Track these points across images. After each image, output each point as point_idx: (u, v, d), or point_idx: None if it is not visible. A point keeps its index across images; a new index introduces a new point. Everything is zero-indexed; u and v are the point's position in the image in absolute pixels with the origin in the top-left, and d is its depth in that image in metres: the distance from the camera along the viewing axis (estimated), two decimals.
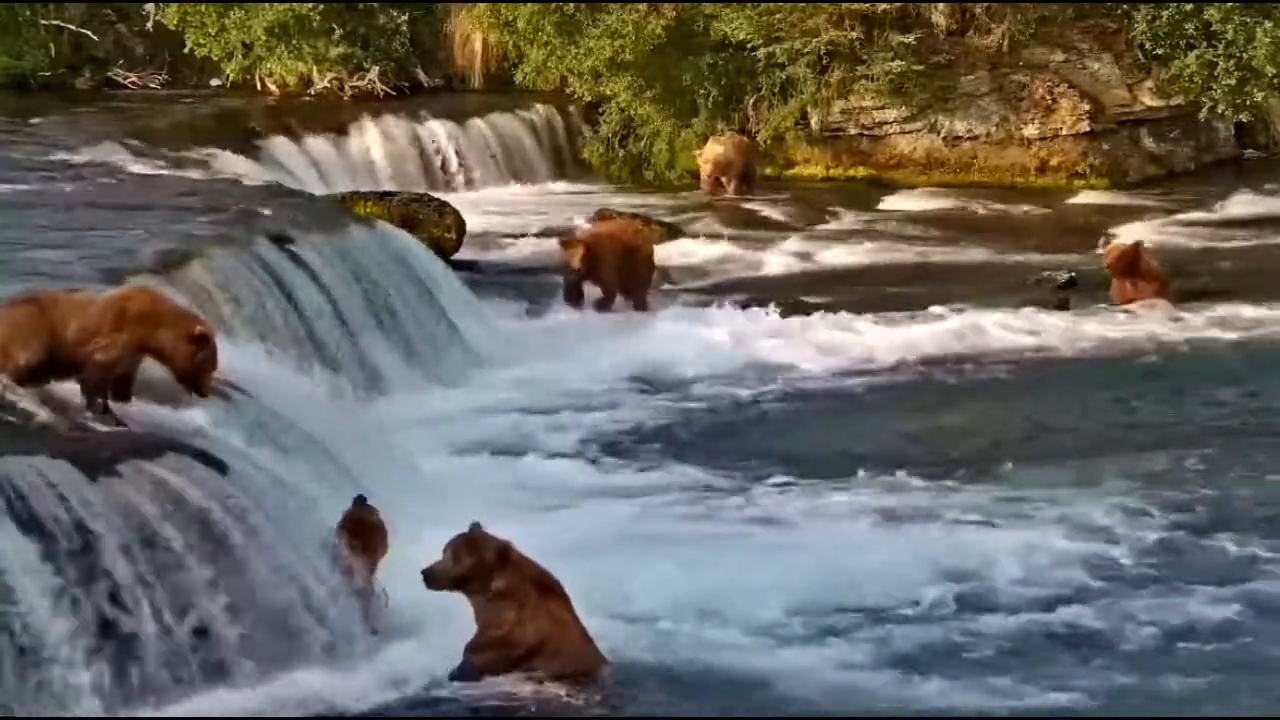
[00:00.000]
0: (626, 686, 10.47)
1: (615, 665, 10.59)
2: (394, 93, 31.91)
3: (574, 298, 20.42)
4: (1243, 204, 28.03)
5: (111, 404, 10.99)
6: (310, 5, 30.93)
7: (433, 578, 10.37)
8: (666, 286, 21.82)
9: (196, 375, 11.18)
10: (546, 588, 10.45)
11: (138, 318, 10.96)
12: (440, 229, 22.11)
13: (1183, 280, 21.62)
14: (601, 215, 25.19)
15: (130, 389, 11.14)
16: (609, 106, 30.58)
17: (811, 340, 19.43)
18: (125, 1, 33.86)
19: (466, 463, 14.95)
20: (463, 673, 10.32)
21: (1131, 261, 20.87)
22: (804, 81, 30.04)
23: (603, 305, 20.43)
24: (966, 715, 10.23)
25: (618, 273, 20.54)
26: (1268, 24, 28.98)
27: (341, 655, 10.38)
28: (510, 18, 31.27)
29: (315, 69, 31.85)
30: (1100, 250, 22.18)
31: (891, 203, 28.54)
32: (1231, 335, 19.71)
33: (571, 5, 30.18)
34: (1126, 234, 25.49)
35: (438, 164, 29.55)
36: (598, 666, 10.48)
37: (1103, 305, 20.88)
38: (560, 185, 30.01)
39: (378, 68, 31.90)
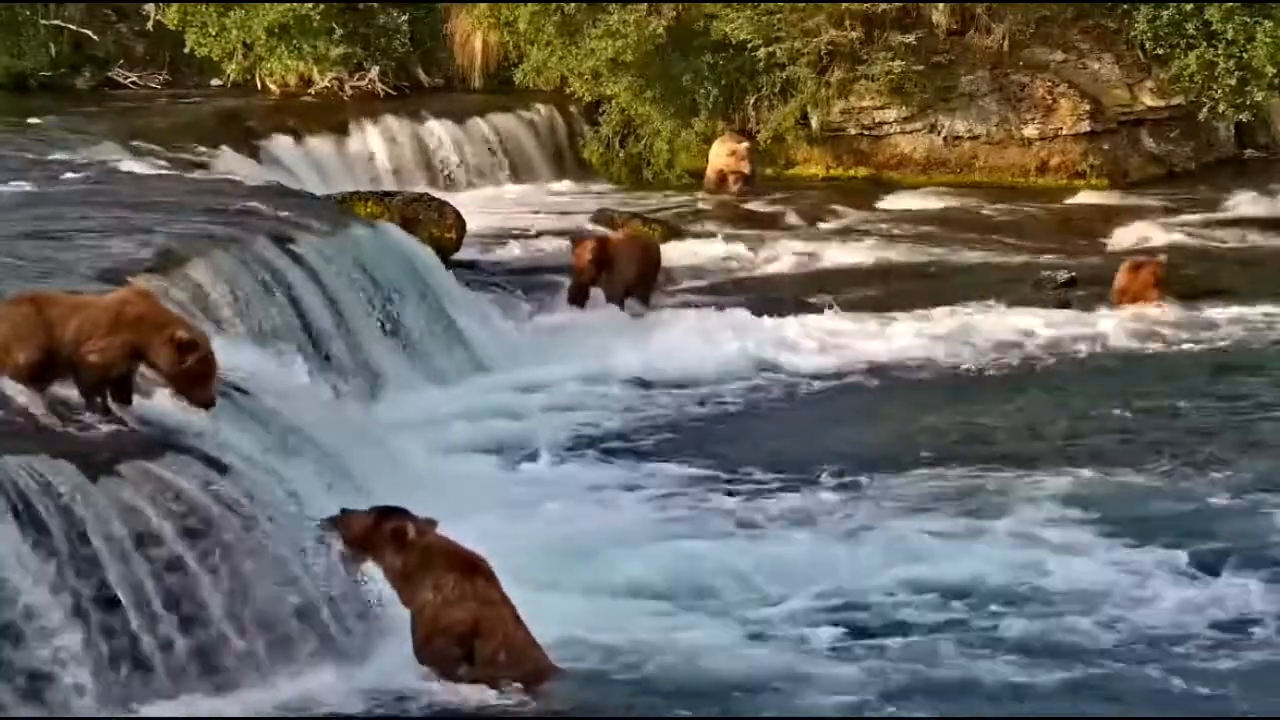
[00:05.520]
0: (611, 684, 10.46)
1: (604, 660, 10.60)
2: (394, 93, 31.95)
3: (579, 299, 20.42)
4: (1243, 204, 28.03)
5: (112, 404, 11.00)
6: (310, 5, 30.95)
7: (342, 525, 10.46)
8: (669, 288, 21.83)
9: (186, 383, 10.99)
10: (470, 567, 10.37)
11: (134, 321, 10.93)
12: (440, 229, 22.10)
13: (1183, 280, 21.61)
14: (604, 216, 25.27)
15: (130, 391, 11.13)
16: (609, 106, 30.59)
17: (811, 340, 19.45)
18: (125, 1, 33.88)
19: (466, 462, 14.96)
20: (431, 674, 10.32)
21: (1151, 274, 20.90)
22: (804, 81, 30.06)
23: (611, 303, 20.42)
24: (967, 715, 10.23)
25: (632, 277, 20.53)
26: (1268, 24, 29.01)
27: (339, 655, 10.38)
28: (510, 18, 31.30)
29: (315, 69, 31.89)
30: (1110, 246, 22.05)
31: (892, 203, 28.54)
32: (1231, 335, 19.72)
33: (572, 5, 30.20)
34: (1125, 235, 25.59)
35: (438, 164, 29.57)
36: (532, 650, 10.36)
37: (1103, 305, 20.90)
38: (560, 185, 30.03)
39: (378, 68, 31.93)
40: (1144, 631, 11.34)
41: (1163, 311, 20.51)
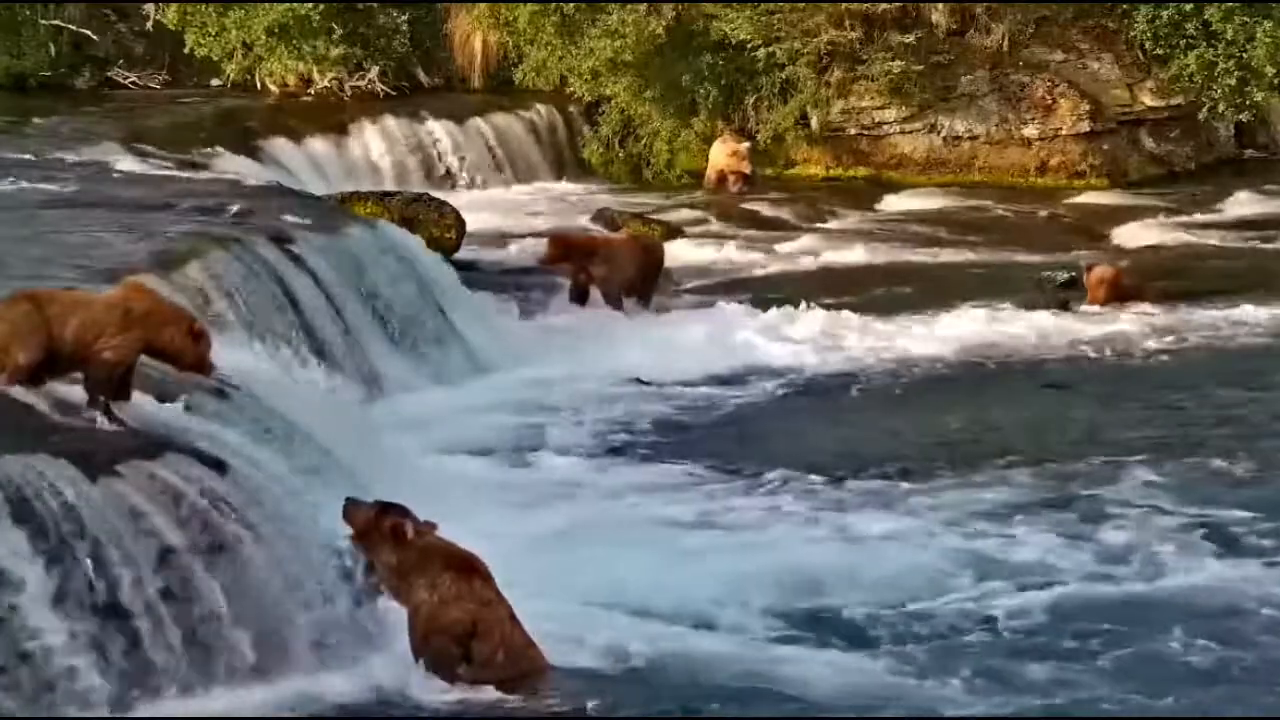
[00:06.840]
0: (610, 685, 10.45)
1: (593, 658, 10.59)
2: (394, 93, 31.96)
3: (579, 299, 20.44)
4: (1243, 204, 28.08)
5: (111, 404, 11.00)
6: (310, 5, 30.95)
7: (346, 515, 10.47)
8: (669, 288, 21.85)
9: (200, 365, 11.28)
10: (467, 568, 10.35)
11: (143, 317, 10.96)
12: (440, 229, 22.12)
13: (1183, 280, 21.64)
14: (604, 216, 25.29)
15: (129, 389, 11.14)
16: (609, 106, 30.62)
17: (811, 340, 19.46)
18: (125, 1, 33.89)
19: (466, 462, 14.96)
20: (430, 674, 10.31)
21: (1115, 285, 21.00)
22: (804, 81, 30.08)
23: (610, 305, 20.42)
24: (967, 715, 10.22)
25: (632, 277, 20.51)
26: (1268, 24, 29.04)
27: (340, 655, 10.38)
28: (510, 18, 31.33)
29: (315, 69, 31.89)
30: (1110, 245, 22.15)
31: (891, 203, 28.57)
32: (1231, 335, 19.74)
33: (571, 5, 30.21)
34: (1126, 235, 25.62)
35: (438, 164, 29.59)
36: (529, 650, 10.35)
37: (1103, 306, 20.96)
38: (560, 185, 30.05)
39: (378, 68, 31.95)
40: None
41: (1153, 311, 20.59)
